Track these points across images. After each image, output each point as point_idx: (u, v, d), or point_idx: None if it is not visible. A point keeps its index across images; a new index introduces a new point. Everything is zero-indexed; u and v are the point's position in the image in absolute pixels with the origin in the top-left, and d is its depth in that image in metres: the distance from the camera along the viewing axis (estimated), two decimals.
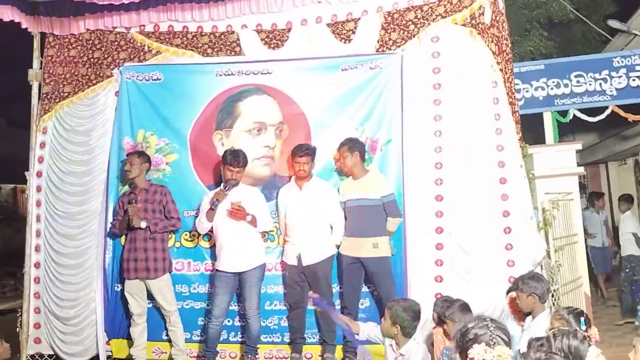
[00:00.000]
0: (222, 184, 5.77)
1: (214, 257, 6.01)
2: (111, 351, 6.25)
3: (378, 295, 5.84)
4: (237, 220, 5.63)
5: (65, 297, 6.39)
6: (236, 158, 5.71)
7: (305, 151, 5.81)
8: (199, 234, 6.11)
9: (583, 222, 9.75)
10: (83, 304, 6.35)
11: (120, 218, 5.98)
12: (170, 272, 6.00)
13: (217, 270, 5.75)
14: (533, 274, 4.74)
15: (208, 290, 6.11)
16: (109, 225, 6.25)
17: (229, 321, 6.01)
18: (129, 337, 6.07)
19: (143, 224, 5.83)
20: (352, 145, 5.84)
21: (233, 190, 5.70)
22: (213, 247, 6.05)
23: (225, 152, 5.82)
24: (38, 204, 6.61)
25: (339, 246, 5.90)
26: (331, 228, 5.90)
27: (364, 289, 5.95)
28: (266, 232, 6.02)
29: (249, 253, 5.69)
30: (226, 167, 5.72)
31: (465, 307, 4.83)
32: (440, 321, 4.98)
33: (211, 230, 5.87)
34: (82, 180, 6.55)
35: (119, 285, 6.21)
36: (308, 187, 5.87)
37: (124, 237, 6.15)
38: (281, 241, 6.09)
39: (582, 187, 11.90)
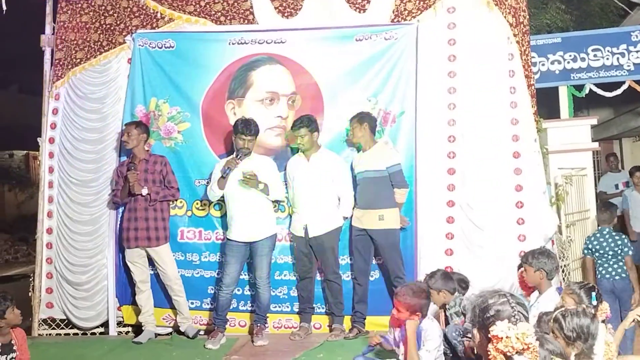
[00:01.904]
0: (234, 153, 5.76)
1: (224, 226, 6.03)
2: (122, 317, 6.32)
3: (385, 268, 5.85)
4: (249, 189, 5.63)
5: (78, 263, 6.43)
6: (247, 127, 5.70)
7: (299, 124, 5.78)
8: (210, 203, 6.13)
9: (627, 202, 8.55)
10: (95, 269, 6.40)
11: (120, 187, 5.99)
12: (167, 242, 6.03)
13: (228, 239, 5.77)
14: (544, 249, 4.72)
15: (218, 259, 6.14)
16: None
17: (239, 290, 6.05)
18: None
19: (144, 191, 5.84)
20: (362, 117, 5.82)
21: (245, 159, 5.69)
22: (224, 216, 6.07)
23: (237, 121, 5.80)
24: (50, 170, 6.62)
25: (346, 218, 5.91)
26: (339, 200, 5.89)
27: (374, 261, 5.96)
28: (278, 201, 6.02)
29: (260, 223, 5.70)
30: (238, 136, 5.71)
31: (446, 276, 4.87)
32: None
33: (222, 199, 5.88)
34: (95, 148, 6.55)
35: None
36: (316, 158, 5.85)
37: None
38: (291, 212, 6.10)
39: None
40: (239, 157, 5.67)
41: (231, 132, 5.91)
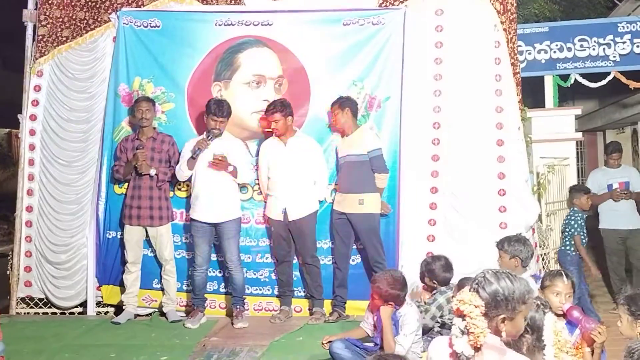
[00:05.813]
0: (204, 133, 5.72)
1: (188, 207, 6.01)
2: (102, 297, 6.29)
3: (365, 252, 5.86)
4: (219, 171, 5.60)
5: (60, 243, 6.37)
6: (220, 108, 5.66)
7: (273, 109, 5.75)
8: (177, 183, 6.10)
9: None
10: (75, 249, 6.35)
11: (123, 163, 5.93)
12: (172, 221, 6.04)
13: (192, 219, 5.74)
14: (520, 237, 4.64)
15: (184, 241, 6.15)
16: (104, 172, 6.22)
17: (220, 272, 6.05)
18: (121, 284, 6.10)
19: (152, 172, 5.80)
20: (343, 102, 5.81)
21: (216, 140, 5.66)
22: (189, 197, 6.02)
23: (210, 101, 5.76)
24: (31, 147, 6.51)
25: (321, 201, 5.93)
26: (315, 184, 5.88)
27: (354, 245, 5.96)
28: (246, 184, 6.00)
29: (226, 205, 5.67)
30: (210, 117, 5.67)
31: (448, 266, 4.88)
32: (422, 276, 5.03)
33: (188, 180, 5.87)
34: (83, 128, 6.47)
35: (111, 232, 6.23)
36: (293, 142, 5.83)
37: (117, 184, 6.18)
38: (253, 194, 6.10)
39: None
40: (209, 137, 5.63)
41: None
